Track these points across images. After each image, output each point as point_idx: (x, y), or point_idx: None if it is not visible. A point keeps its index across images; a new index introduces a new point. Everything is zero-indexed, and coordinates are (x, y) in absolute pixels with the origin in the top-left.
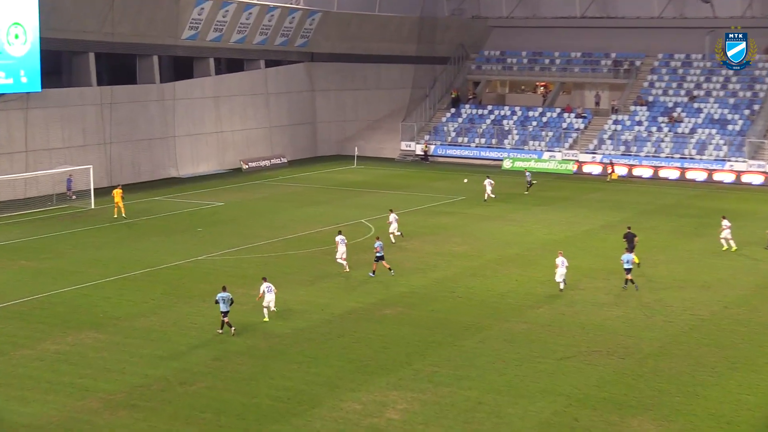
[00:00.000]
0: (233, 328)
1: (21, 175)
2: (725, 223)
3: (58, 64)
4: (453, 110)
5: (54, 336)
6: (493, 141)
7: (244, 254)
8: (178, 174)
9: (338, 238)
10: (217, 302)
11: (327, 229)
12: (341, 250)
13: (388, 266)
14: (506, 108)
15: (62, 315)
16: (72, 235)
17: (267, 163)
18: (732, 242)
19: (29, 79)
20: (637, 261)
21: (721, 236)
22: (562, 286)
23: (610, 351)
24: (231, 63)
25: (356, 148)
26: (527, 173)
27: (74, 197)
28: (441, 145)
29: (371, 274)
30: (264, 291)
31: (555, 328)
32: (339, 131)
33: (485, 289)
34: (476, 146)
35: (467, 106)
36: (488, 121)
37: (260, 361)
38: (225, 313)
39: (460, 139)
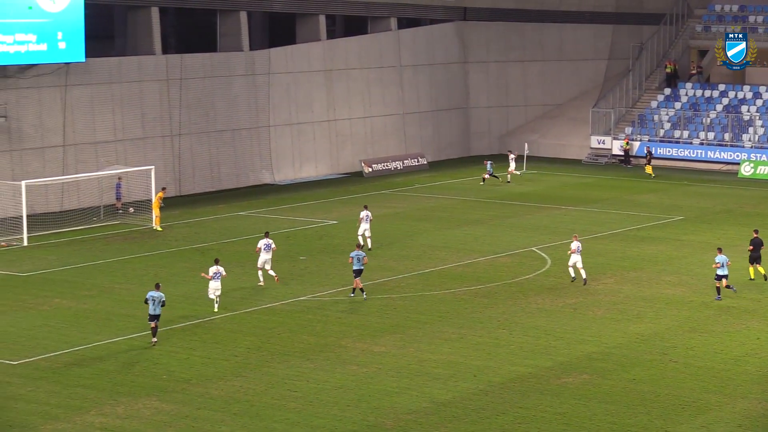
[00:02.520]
0: (155, 339)
1: (56, 179)
2: None
3: (108, 23)
4: (668, 91)
5: (99, 405)
6: (726, 136)
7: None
8: (273, 180)
9: (363, 213)
10: (146, 302)
11: (483, 260)
12: (364, 227)
13: (361, 286)
14: (747, 88)
15: (110, 375)
16: (124, 263)
17: (399, 165)
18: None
19: (69, 44)
20: (762, 272)
21: None
22: (573, 273)
23: None
24: (349, 22)
25: (526, 146)
26: (488, 163)
27: (131, 210)
28: (649, 141)
29: (364, 297)
30: (261, 248)
31: None
32: (501, 121)
33: (712, 350)
34: (701, 143)
35: (689, 85)
36: (720, 108)
37: None
38: (154, 318)
39: (677, 134)
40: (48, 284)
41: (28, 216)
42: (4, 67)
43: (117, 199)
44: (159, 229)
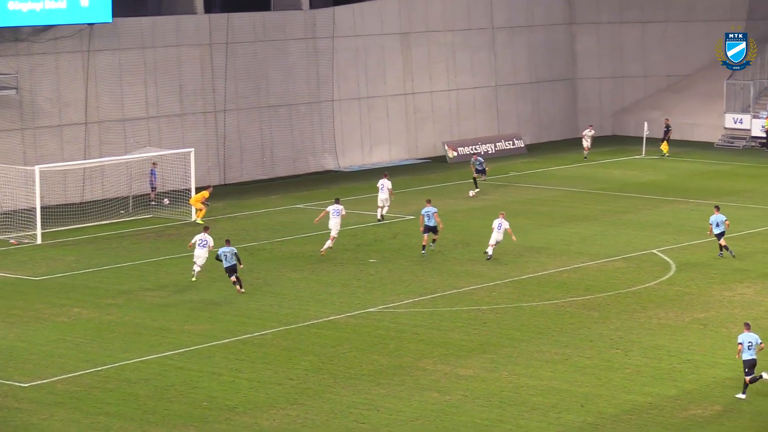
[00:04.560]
0: (242, 290)
1: (77, 164)
2: None
3: None
4: None
5: None
6: None
7: (445, 305)
8: (337, 166)
9: (381, 182)
10: (218, 259)
11: (593, 265)
12: (382, 197)
13: (426, 242)
14: None
15: (140, 401)
16: (157, 266)
17: (490, 148)
18: None
19: (93, 1)
20: None
21: None
22: (490, 251)
23: None
24: None
25: (646, 125)
26: (478, 159)
27: (166, 202)
28: None
29: (431, 247)
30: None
31: None
32: (616, 95)
33: None
34: None
35: None
36: None
37: None
38: (232, 271)
39: None
40: (66, 290)
41: (42, 208)
42: (16, 29)
43: (151, 188)
44: (200, 222)
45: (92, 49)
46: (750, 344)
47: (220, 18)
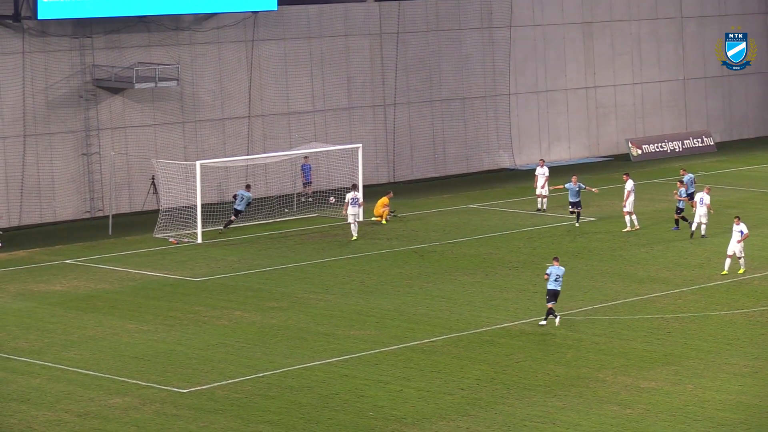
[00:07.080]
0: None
1: (239, 159)
2: None
3: None
4: None
5: None
6: None
7: (626, 313)
8: (513, 164)
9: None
10: (234, 197)
11: None
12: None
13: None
14: None
15: (303, 409)
16: (322, 267)
17: (676, 146)
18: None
19: None
20: None
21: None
22: (700, 229)
23: None
24: None
25: None
26: (576, 184)
27: (332, 200)
28: None
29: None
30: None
31: None
32: None
33: None
34: None
35: None
36: None
37: None
38: (237, 213)
39: None
40: (227, 292)
41: (203, 205)
42: (177, 17)
43: (303, 185)
44: (384, 222)
45: (256, 39)
46: (557, 276)
47: (390, 6)
